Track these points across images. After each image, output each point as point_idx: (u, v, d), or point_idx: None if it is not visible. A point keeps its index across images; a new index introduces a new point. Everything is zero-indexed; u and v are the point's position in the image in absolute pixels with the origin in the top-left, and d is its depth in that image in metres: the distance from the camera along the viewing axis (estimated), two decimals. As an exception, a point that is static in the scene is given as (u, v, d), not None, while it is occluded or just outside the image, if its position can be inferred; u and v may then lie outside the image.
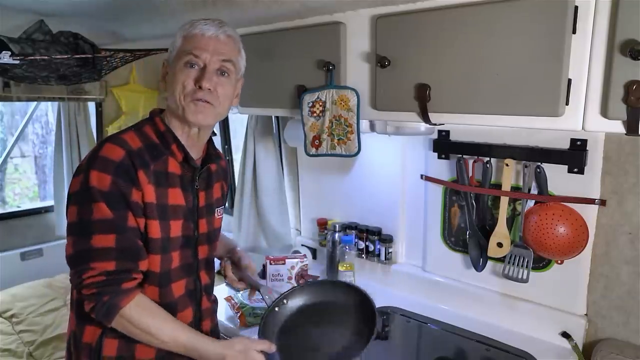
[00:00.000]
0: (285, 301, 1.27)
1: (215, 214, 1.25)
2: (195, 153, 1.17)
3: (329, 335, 1.19)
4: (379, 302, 1.66)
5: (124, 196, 1.00)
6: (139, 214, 1.03)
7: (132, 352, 1.09)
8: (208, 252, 1.24)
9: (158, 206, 1.07)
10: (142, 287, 1.07)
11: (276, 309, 1.25)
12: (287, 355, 1.13)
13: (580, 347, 1.48)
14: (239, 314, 1.68)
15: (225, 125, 2.82)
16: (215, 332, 1.32)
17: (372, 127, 1.61)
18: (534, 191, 1.51)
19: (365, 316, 1.17)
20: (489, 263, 1.66)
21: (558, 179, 1.46)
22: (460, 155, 1.65)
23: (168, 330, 1.03)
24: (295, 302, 1.28)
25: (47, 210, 3.15)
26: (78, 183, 1.01)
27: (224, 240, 1.45)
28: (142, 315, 1.01)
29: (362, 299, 1.22)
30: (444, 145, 1.71)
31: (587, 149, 1.40)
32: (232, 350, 1.04)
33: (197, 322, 1.21)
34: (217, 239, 1.29)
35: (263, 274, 2.04)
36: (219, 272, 1.37)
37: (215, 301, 1.33)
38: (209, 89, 1.08)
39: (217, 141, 2.77)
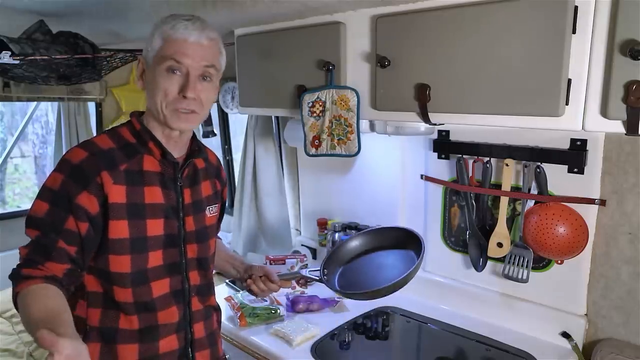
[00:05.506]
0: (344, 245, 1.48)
1: (207, 212, 1.22)
2: (178, 152, 1.15)
3: (384, 263, 1.41)
4: (378, 302, 1.67)
5: (69, 198, 1.01)
6: (82, 219, 1.01)
7: (116, 325, 1.09)
8: (199, 251, 1.19)
9: (129, 206, 1.06)
10: (74, 279, 1.03)
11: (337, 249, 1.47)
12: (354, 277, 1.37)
13: (580, 347, 1.48)
14: (239, 314, 1.68)
15: (225, 125, 2.81)
16: (211, 342, 1.23)
17: (372, 127, 1.61)
18: (534, 191, 1.51)
19: (412, 242, 1.37)
20: (489, 263, 1.66)
21: (558, 179, 1.46)
22: (460, 155, 1.65)
23: (32, 319, 0.91)
24: (353, 244, 1.48)
25: (47, 210, 3.13)
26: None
27: (235, 260, 1.43)
28: (25, 305, 0.98)
29: (405, 233, 1.42)
30: (444, 145, 1.71)
31: (587, 149, 1.40)
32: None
33: (186, 324, 1.16)
34: (210, 238, 1.24)
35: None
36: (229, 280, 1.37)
37: (214, 308, 1.27)
38: (194, 98, 1.07)
39: (217, 141, 2.77)
